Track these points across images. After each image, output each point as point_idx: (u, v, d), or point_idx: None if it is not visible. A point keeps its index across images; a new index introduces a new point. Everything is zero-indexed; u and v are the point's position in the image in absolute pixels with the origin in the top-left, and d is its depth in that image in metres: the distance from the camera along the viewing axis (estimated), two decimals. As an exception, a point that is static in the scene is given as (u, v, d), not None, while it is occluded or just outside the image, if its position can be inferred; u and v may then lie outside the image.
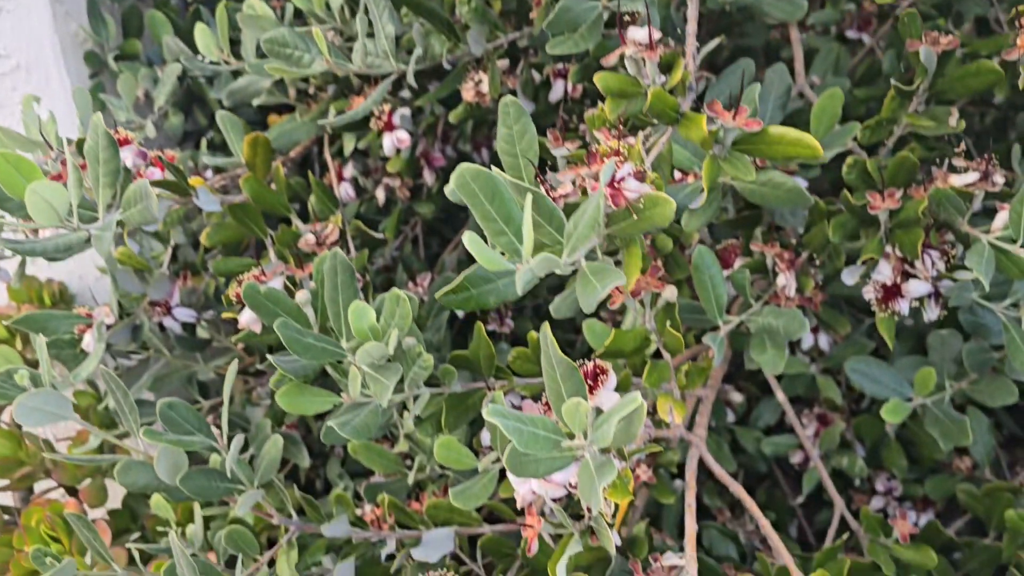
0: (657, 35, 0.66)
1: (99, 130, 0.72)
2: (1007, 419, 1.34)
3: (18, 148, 0.86)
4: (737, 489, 0.85)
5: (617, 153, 0.59)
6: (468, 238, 0.53)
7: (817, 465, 1.07)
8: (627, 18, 0.76)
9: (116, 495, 1.26)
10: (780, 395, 1.06)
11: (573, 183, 0.64)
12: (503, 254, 0.57)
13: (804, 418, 1.21)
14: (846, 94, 1.19)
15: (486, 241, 0.56)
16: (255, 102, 1.18)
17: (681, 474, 0.98)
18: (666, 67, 0.68)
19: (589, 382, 0.61)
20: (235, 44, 1.16)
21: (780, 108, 0.92)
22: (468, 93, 1.02)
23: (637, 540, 0.95)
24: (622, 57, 0.68)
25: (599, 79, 0.67)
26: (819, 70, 1.27)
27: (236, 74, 1.19)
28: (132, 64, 1.31)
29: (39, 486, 1.25)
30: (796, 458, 1.21)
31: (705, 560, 1.02)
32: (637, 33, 0.67)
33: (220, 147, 1.29)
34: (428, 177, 1.20)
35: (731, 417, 1.26)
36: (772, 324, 0.83)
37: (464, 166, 0.55)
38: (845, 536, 0.96)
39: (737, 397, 1.25)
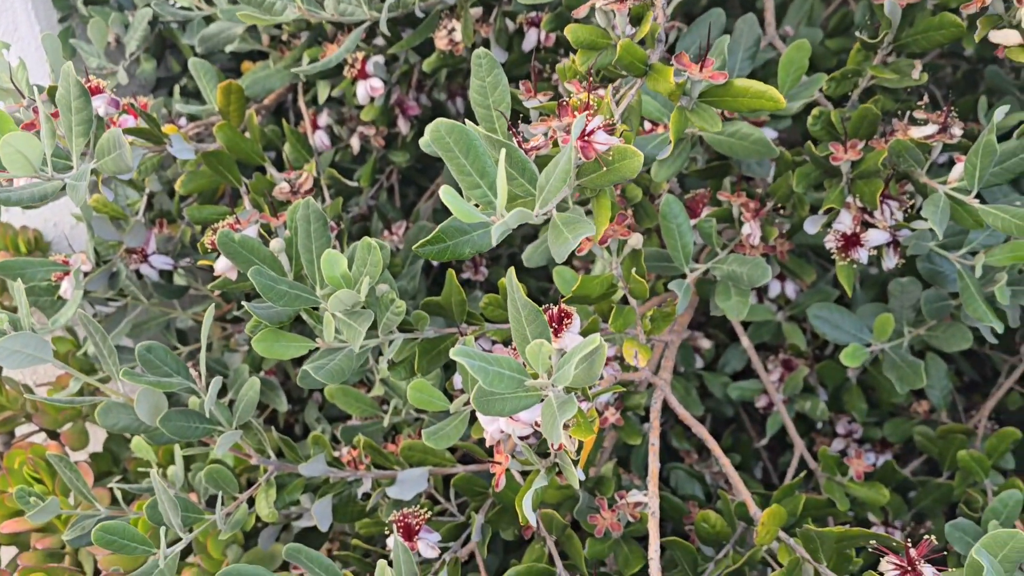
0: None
1: (70, 79, 0.72)
2: (966, 366, 1.39)
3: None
4: (700, 430, 0.89)
5: (587, 106, 0.61)
6: (444, 191, 0.55)
7: (780, 409, 1.11)
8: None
9: (97, 440, 1.28)
10: (745, 341, 1.10)
11: (545, 135, 0.66)
12: (478, 206, 0.59)
13: (770, 364, 1.25)
14: (818, 45, 1.21)
15: (461, 194, 0.58)
16: (228, 49, 1.18)
17: (649, 417, 1.02)
18: (636, 19, 0.69)
19: (554, 325, 0.64)
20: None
21: (749, 59, 0.93)
22: (441, 42, 1.02)
23: (605, 479, 0.99)
24: (593, 8, 0.69)
25: (570, 31, 0.68)
26: (793, 20, 1.28)
27: (208, 20, 1.18)
28: (102, 9, 1.29)
29: (20, 430, 1.27)
30: (761, 402, 1.25)
31: (670, 498, 1.07)
32: (604, -15, 0.68)
33: (193, 94, 1.29)
34: (403, 126, 1.21)
35: (699, 363, 1.29)
36: (736, 271, 0.85)
37: (439, 121, 0.57)
38: (803, 474, 1.00)
39: (706, 343, 1.29)
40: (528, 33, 1.05)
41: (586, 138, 0.60)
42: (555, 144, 0.67)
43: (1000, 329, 0.88)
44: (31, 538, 1.07)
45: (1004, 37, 0.70)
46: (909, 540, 0.75)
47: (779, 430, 1.21)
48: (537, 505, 0.72)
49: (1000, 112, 0.73)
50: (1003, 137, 0.83)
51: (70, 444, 1.18)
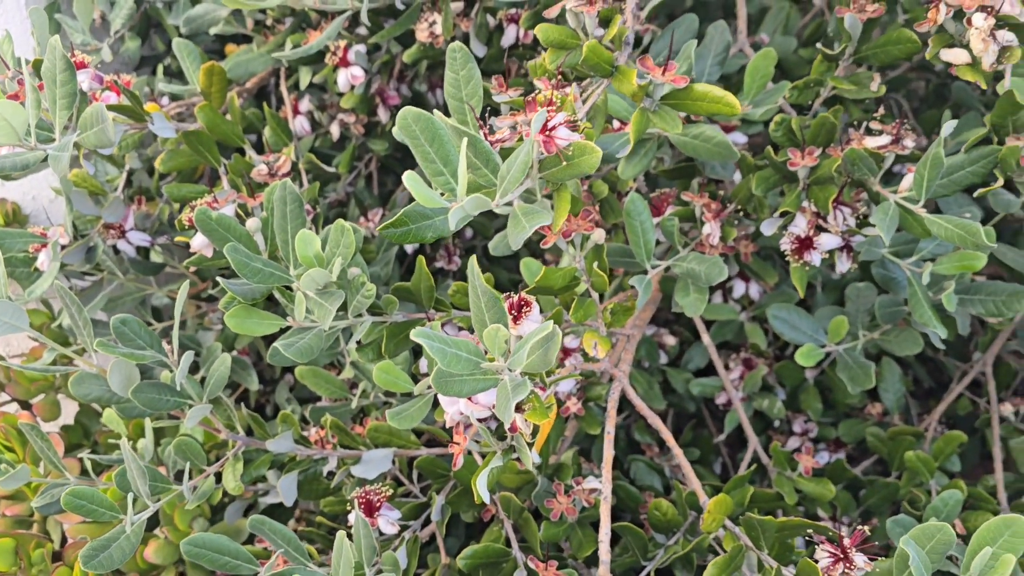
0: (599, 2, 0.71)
1: (56, 52, 0.74)
2: (922, 371, 1.44)
3: (-26, 66, 0.88)
4: (656, 421, 0.93)
5: (551, 103, 0.64)
6: (407, 176, 0.58)
7: (737, 406, 1.15)
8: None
9: (69, 413, 1.30)
10: (706, 339, 1.14)
11: (513, 128, 0.69)
12: (441, 193, 0.63)
13: (731, 362, 1.29)
14: (792, 54, 1.26)
15: (427, 181, 0.61)
16: (212, 31, 1.20)
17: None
18: (605, 21, 0.73)
19: (513, 313, 0.67)
20: (193, -30, 1.18)
21: (719, 64, 0.97)
22: (422, 34, 1.05)
23: (564, 466, 1.02)
24: (564, 9, 0.73)
25: (540, 30, 0.72)
26: (769, 28, 1.32)
27: (194, 1, 1.20)
28: (89, -15, 1.30)
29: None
30: (721, 399, 1.30)
31: (628, 488, 1.11)
32: (575, -13, 0.71)
33: (177, 74, 1.31)
34: (383, 115, 1.24)
35: (664, 359, 1.33)
36: (695, 269, 0.89)
37: (406, 109, 0.60)
38: (753, 467, 1.04)
39: (671, 340, 1.33)
40: (507, 29, 1.08)
41: (548, 132, 0.63)
42: (521, 138, 0.70)
43: (944, 335, 0.93)
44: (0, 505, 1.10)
45: (954, 56, 0.74)
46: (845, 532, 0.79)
47: (738, 426, 1.25)
48: (493, 485, 0.75)
49: (948, 126, 0.77)
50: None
51: (42, 415, 1.20)
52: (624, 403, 1.02)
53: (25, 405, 1.24)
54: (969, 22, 0.71)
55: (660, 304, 1.14)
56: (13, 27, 1.30)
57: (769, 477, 1.17)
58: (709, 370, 1.34)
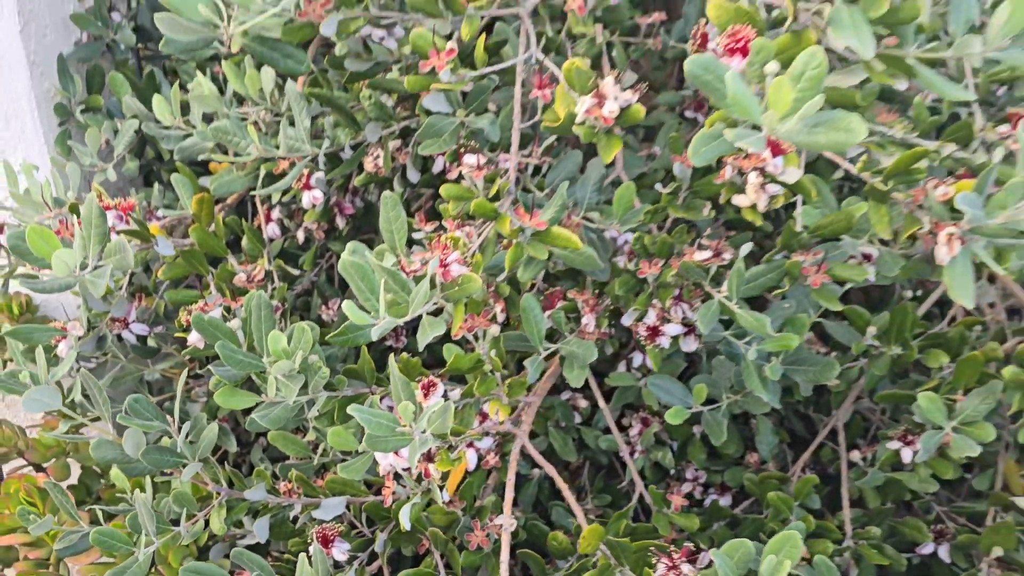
0: (483, 159, 1.02)
1: (93, 205, 1.04)
2: (799, 424, 1.74)
3: (23, 206, 1.18)
4: (550, 469, 1.22)
5: (444, 247, 0.95)
6: (346, 305, 0.88)
7: (627, 460, 1.44)
8: (469, 143, 1.12)
9: (73, 475, 1.57)
10: (602, 403, 1.44)
11: (423, 262, 0.99)
12: (369, 313, 0.92)
13: (633, 420, 1.59)
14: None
15: (360, 304, 0.91)
16: (200, 158, 1.51)
17: (536, 463, 1.35)
18: (490, 180, 1.04)
19: (424, 391, 0.97)
20: (184, 107, 1.48)
21: (596, 191, 1.29)
22: (369, 165, 1.37)
23: (484, 508, 1.31)
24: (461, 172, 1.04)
25: (443, 189, 1.03)
26: (661, 142, 1.66)
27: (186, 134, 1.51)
28: (95, 117, 1.62)
29: (8, 466, 1.55)
30: (624, 452, 1.59)
31: (540, 526, 1.39)
32: (470, 159, 1.02)
33: (170, 188, 1.61)
34: (340, 222, 1.55)
35: (578, 419, 1.63)
36: (575, 351, 1.20)
37: (344, 259, 0.90)
38: (633, 503, 1.34)
39: (583, 403, 1.62)
40: (436, 160, 1.40)
41: (445, 267, 0.94)
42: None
43: (766, 398, 1.23)
44: (21, 551, 1.36)
45: (740, 201, 1.05)
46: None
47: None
48: (415, 518, 1.04)
49: (745, 248, 1.09)
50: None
51: (55, 476, 1.47)
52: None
53: (39, 468, 1.51)
54: (746, 179, 1.03)
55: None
56: (33, 152, 1.61)
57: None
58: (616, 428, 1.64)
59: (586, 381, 1.67)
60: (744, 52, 0.84)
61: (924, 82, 0.94)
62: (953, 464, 1.34)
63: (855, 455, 1.56)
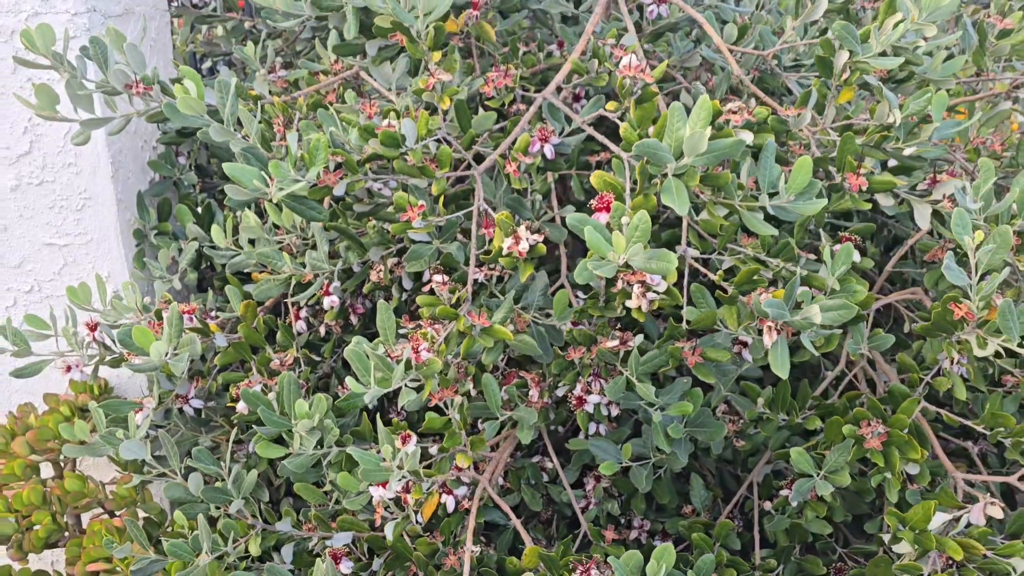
0: (447, 278, 1.49)
1: (174, 310, 1.52)
2: (732, 481, 2.15)
3: (116, 310, 1.67)
4: (506, 508, 1.64)
5: (417, 339, 1.40)
6: (348, 380, 1.34)
7: (577, 512, 1.86)
8: (437, 265, 1.59)
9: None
10: (557, 465, 1.86)
11: (403, 350, 1.46)
12: (365, 385, 1.38)
13: (589, 478, 2.01)
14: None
15: (360, 379, 1.37)
16: (246, 270, 2.00)
17: (495, 505, 1.77)
18: (452, 291, 1.50)
19: (402, 440, 1.41)
20: (233, 230, 1.98)
21: (543, 295, 1.75)
22: (374, 276, 1.85)
23: (461, 540, 1.72)
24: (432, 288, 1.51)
25: (419, 299, 1.49)
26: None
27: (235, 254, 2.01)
28: (165, 239, 2.13)
29: (89, 513, 2.01)
30: (580, 504, 2.00)
31: (505, 557, 1.80)
32: (438, 277, 1.49)
33: (221, 293, 2.10)
34: (354, 319, 2.02)
35: (546, 478, 2.05)
36: (524, 416, 1.64)
37: (349, 349, 1.36)
38: (579, 539, 1.74)
39: (549, 464, 2.05)
40: (426, 274, 1.87)
41: (416, 353, 1.40)
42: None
43: (668, 450, 1.65)
44: (102, 577, 1.80)
45: (631, 303, 1.50)
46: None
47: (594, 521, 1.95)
48: (398, 536, 1.46)
49: (638, 339, 1.54)
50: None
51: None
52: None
53: (112, 515, 1.96)
54: (632, 291, 1.49)
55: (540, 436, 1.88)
56: (115, 267, 2.11)
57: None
58: (577, 484, 2.05)
59: (551, 448, 2.12)
60: (608, 209, 1.31)
61: (745, 221, 1.40)
62: (827, 505, 1.74)
63: (767, 504, 1.95)
